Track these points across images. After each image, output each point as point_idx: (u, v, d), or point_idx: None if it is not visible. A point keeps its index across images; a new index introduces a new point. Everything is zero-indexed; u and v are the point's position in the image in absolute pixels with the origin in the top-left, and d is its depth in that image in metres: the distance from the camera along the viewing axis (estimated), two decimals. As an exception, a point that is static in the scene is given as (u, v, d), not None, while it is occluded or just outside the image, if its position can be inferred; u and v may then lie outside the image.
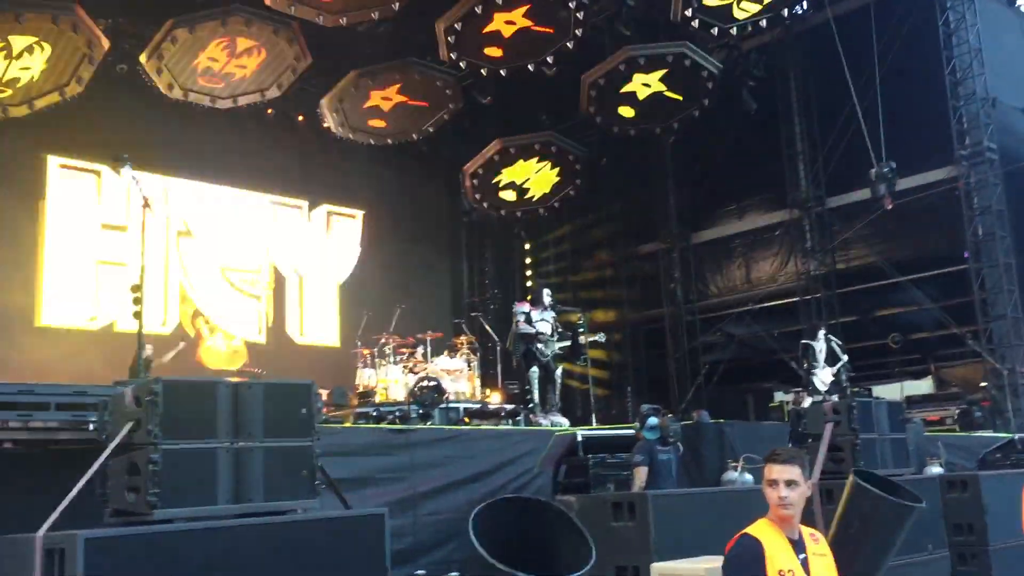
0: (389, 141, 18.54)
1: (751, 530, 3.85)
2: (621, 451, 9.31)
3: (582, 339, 12.48)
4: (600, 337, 12.41)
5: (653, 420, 8.86)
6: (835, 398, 12.78)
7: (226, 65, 15.57)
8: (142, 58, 14.99)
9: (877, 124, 15.57)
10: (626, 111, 17.53)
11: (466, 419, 12.48)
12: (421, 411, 11.77)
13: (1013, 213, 16.81)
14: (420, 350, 14.40)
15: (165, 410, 4.50)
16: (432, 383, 12.21)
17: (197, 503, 4.55)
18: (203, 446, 4.61)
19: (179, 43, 14.72)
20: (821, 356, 13.66)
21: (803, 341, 14.09)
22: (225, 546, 4.48)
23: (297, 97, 17.74)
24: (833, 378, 13.63)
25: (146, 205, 8.22)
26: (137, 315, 8.14)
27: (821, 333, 14.19)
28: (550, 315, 12.24)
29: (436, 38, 15.29)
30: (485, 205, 19.67)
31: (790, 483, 3.81)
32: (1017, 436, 12.57)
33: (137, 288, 8.19)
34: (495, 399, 14.61)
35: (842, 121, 16.64)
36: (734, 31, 15.76)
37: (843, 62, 15.31)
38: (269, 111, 18.13)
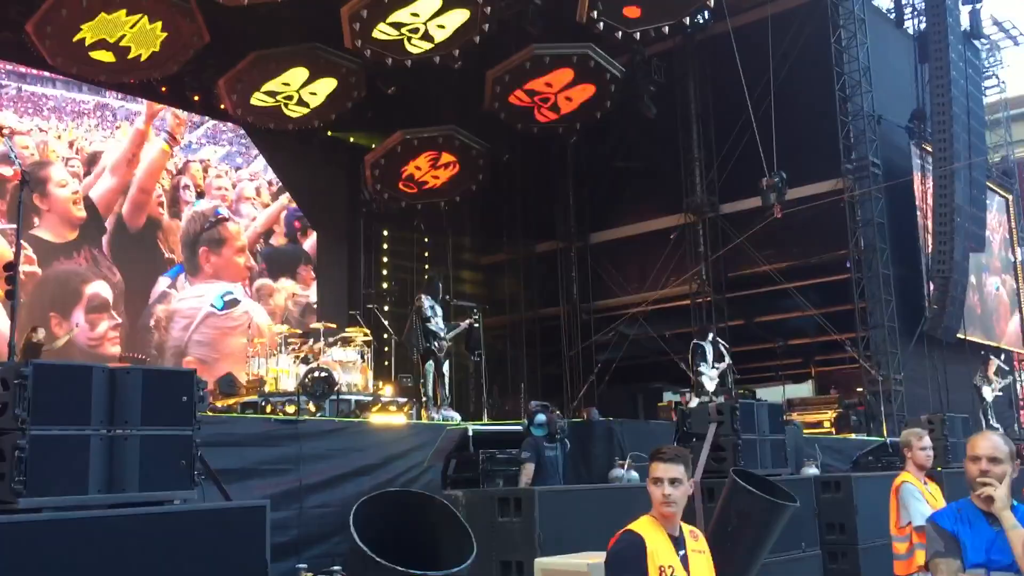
0: (290, 127, 18.16)
1: (634, 526, 3.89)
2: (511, 447, 9.32)
3: (469, 328, 12.43)
4: (474, 321, 12.34)
5: (541, 417, 8.90)
6: (720, 399, 13.06)
7: (121, 40, 15.00)
8: (28, 27, 14.30)
9: (770, 135, 16.05)
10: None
11: (357, 411, 12.32)
12: (311, 402, 11.59)
13: (894, 226, 17.53)
14: (312, 341, 14.17)
15: (35, 394, 4.27)
16: (323, 374, 12.02)
17: (67, 492, 4.34)
18: (75, 432, 4.40)
19: (67, 13, 14.10)
20: (710, 357, 13.93)
21: (693, 341, 14.37)
22: (95, 537, 4.28)
23: (193, 77, 17.24)
24: (719, 380, 13.93)
25: (24, 180, 7.83)
26: (10, 294, 7.75)
27: (710, 336, 14.48)
28: (442, 309, 12.19)
29: (341, 24, 15.03)
30: (385, 196, 19.48)
31: (674, 481, 3.86)
32: (889, 439, 13.08)
33: (11, 267, 7.80)
34: (387, 392, 14.48)
35: (737, 130, 17.08)
36: (637, 35, 15.99)
37: (740, 73, 15.70)
38: (164, 89, 17.56)
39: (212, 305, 18.80)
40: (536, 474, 8.68)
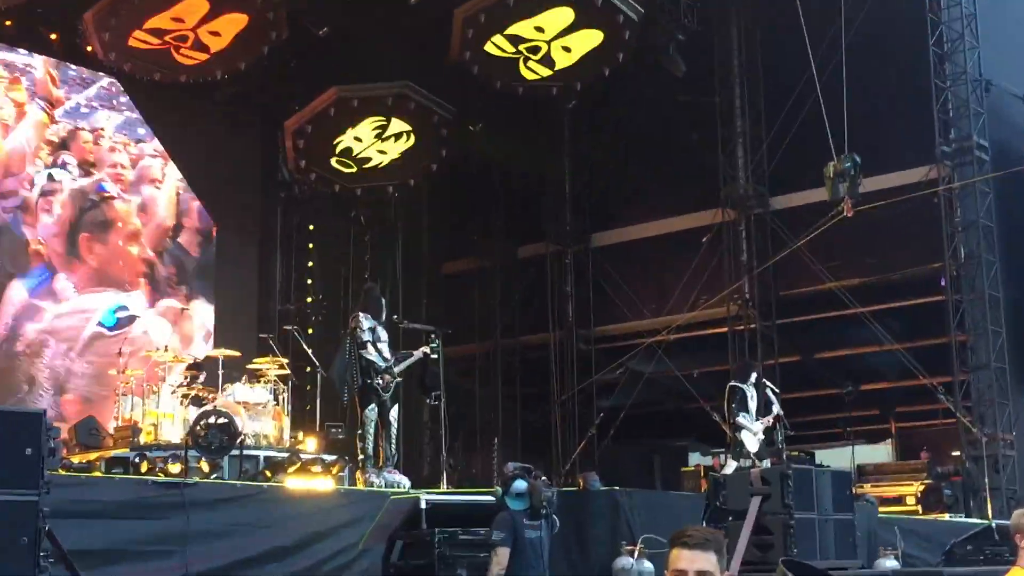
0: (183, 79, 18.13)
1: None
2: (479, 525, 9.31)
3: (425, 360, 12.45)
4: (433, 347, 12.37)
5: (520, 484, 8.85)
6: (766, 464, 13.08)
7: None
8: None
9: (840, 104, 16.09)
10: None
11: (267, 472, 12.29)
12: (203, 458, 11.55)
13: (1005, 231, 17.57)
14: (205, 373, 14.11)
15: None
16: (222, 420, 11.99)
17: None
18: None
19: None
20: (752, 406, 13.94)
21: (731, 384, 14.37)
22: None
23: (50, 8, 17.24)
24: (765, 437, 13.95)
25: None
26: None
27: (754, 376, 14.50)
28: (385, 332, 12.20)
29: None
30: (313, 177, 19.45)
31: (702, 575, 3.86)
32: (995, 523, 13.13)
33: None
34: (310, 446, 14.44)
35: (796, 98, 17.13)
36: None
37: (800, 18, 15.76)
38: (8, 23, 17.53)
39: (101, 323, 18.69)
40: (512, 562, 8.65)
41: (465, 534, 9.39)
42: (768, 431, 14.03)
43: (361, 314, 12.11)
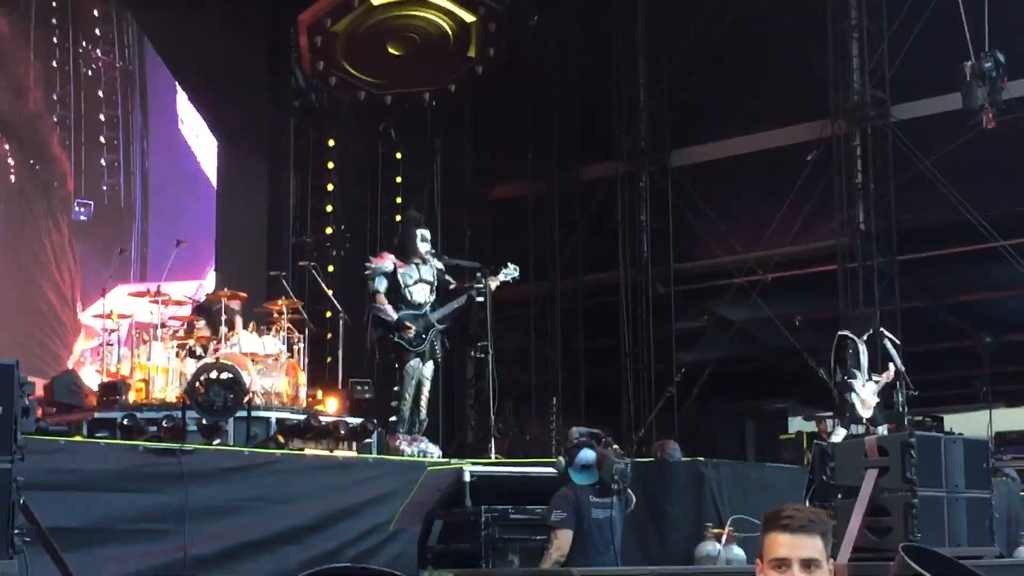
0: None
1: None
2: (535, 502, 9.38)
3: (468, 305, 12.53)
4: (510, 274, 12.49)
5: (587, 454, 8.90)
6: (883, 430, 13.06)
7: None
8: None
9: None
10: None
11: (280, 437, 12.42)
12: (204, 420, 11.67)
13: None
14: (206, 320, 14.22)
15: None
16: (226, 376, 12.10)
17: None
18: None
19: None
20: (865, 361, 13.89)
21: (840, 333, 14.31)
22: None
23: None
24: (881, 398, 13.90)
25: None
26: None
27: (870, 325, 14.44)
28: (430, 270, 12.23)
29: None
30: (332, 81, 19.47)
31: (807, 564, 3.86)
32: None
33: None
34: (331, 407, 14.56)
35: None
36: None
37: None
38: None
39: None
40: (575, 547, 8.72)
41: (518, 513, 9.45)
42: (886, 391, 13.98)
43: (375, 259, 12.20)
